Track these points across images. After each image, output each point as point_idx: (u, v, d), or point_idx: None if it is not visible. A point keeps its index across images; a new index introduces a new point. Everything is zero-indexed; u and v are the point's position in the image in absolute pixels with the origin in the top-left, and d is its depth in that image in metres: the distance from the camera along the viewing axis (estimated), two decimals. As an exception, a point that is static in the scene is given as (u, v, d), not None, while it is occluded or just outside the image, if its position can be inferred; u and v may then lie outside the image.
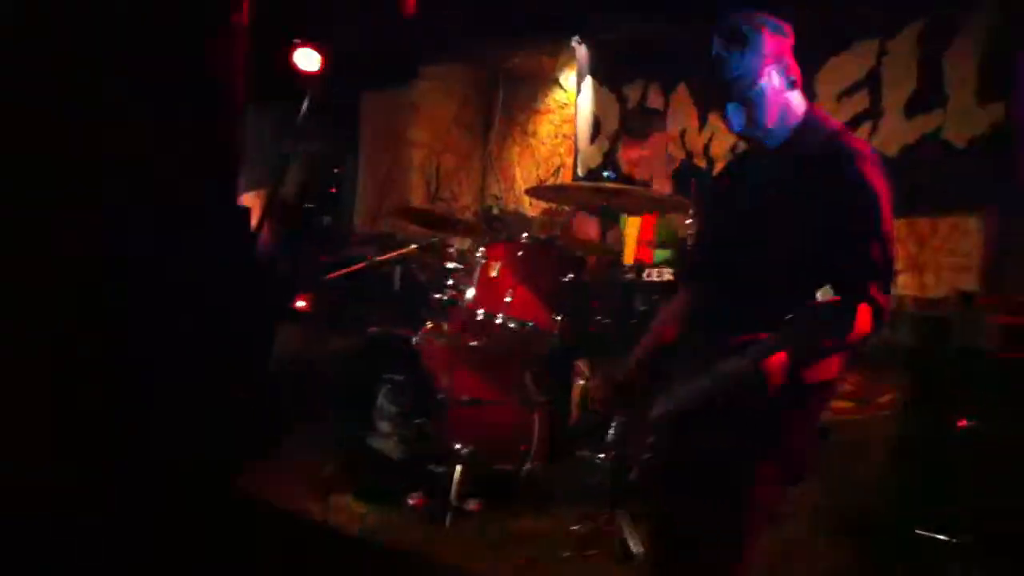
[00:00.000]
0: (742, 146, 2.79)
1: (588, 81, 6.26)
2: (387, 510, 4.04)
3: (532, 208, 6.14)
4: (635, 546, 3.36)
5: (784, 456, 2.50)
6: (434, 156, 7.40)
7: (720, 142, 5.29)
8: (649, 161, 4.68)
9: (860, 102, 4.55)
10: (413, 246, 5.20)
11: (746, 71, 2.47)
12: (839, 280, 2.17)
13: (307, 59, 6.30)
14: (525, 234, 4.37)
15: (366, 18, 6.47)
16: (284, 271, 6.36)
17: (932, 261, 4.18)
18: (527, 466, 4.21)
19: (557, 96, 6.88)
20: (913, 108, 4.34)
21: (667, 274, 4.19)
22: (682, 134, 5.61)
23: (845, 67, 4.63)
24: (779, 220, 2.48)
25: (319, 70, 6.24)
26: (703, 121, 5.46)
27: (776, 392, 2.29)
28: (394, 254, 5.16)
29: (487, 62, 7.28)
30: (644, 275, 4.29)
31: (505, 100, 7.35)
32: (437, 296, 4.65)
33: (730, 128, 2.59)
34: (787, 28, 2.52)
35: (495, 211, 4.78)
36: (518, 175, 7.06)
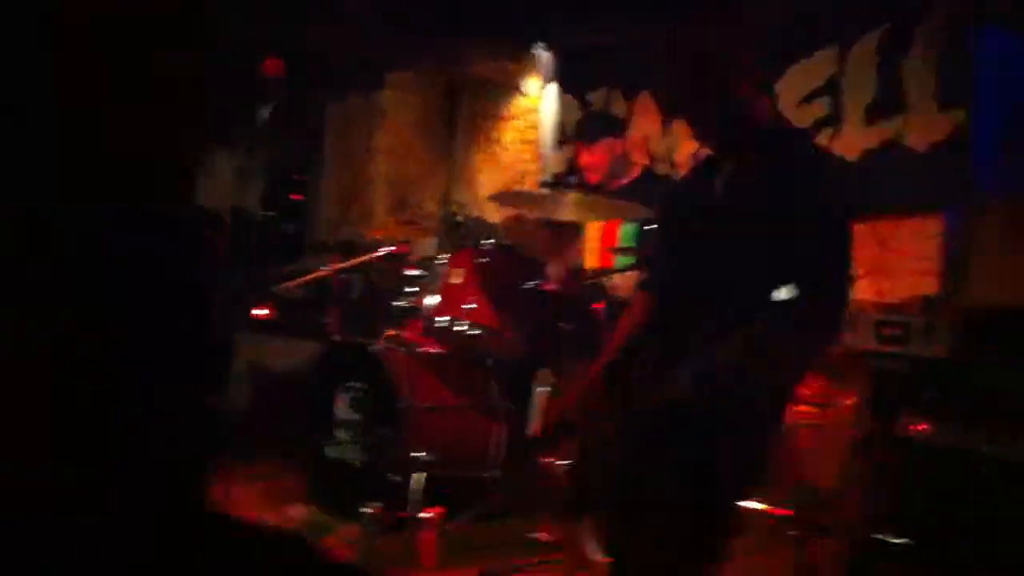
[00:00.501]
0: (705, 153, 2.77)
1: (551, 87, 6.25)
2: (346, 519, 3.98)
3: (496, 215, 6.09)
4: (596, 554, 3.33)
5: (747, 462, 2.50)
6: (399, 163, 7.36)
7: (684, 148, 5.29)
8: (601, 166, 4.67)
9: (821, 109, 4.56)
10: (376, 253, 5.16)
11: (708, 79, 2.46)
12: (796, 284, 2.17)
13: (271, 67, 6.25)
14: (488, 241, 4.33)
15: (329, 24, 6.44)
16: (243, 280, 6.29)
17: (893, 266, 4.18)
18: (488, 474, 4.19)
19: (521, 102, 6.86)
20: (873, 114, 4.36)
21: (629, 280, 4.18)
22: (645, 140, 5.61)
23: (806, 74, 4.65)
24: (739, 226, 2.47)
25: (279, 76, 6.20)
26: (666, 127, 5.46)
27: (733, 399, 2.28)
28: (355, 261, 5.11)
29: (450, 69, 7.25)
30: (606, 281, 4.28)
31: (469, 107, 7.33)
32: (398, 303, 4.62)
33: (694, 138, 2.59)
34: (748, 35, 2.50)
35: (458, 218, 4.74)
36: (483, 182, 7.03)
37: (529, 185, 6.32)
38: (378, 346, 4.40)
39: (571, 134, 5.91)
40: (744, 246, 2.45)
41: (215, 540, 3.29)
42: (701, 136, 2.66)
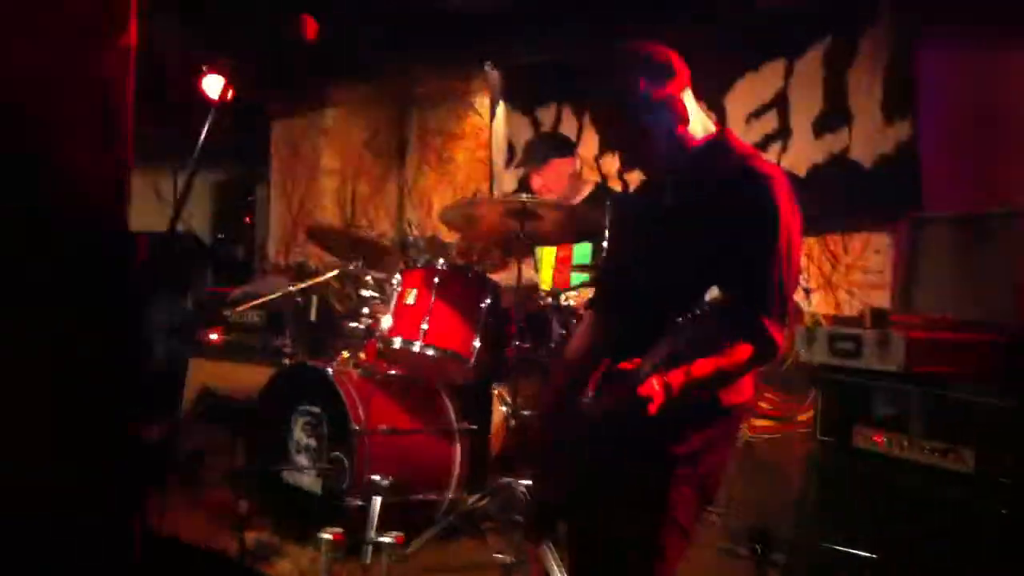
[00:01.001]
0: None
1: (501, 105, 6.26)
2: (303, 545, 3.96)
3: (450, 235, 6.08)
4: (559, 574, 3.32)
5: (699, 477, 2.50)
6: (348, 183, 7.32)
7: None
8: (554, 188, 4.65)
9: (769, 123, 4.60)
10: (329, 274, 5.12)
11: (644, 102, 2.45)
12: (738, 296, 2.18)
13: (212, 85, 6.19)
14: (441, 260, 4.31)
15: (273, 43, 6.38)
16: (192, 304, 6.22)
17: (844, 279, 4.23)
18: (448, 496, 4.16)
19: (472, 121, 6.86)
20: (821, 128, 4.40)
21: (584, 298, 4.18)
22: (596, 158, 5.62)
23: (753, 89, 4.69)
24: (684, 244, 2.47)
25: (224, 96, 6.13)
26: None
27: (669, 412, 2.28)
28: (310, 283, 5.07)
29: (399, 87, 7.23)
30: (562, 299, 4.28)
31: (419, 125, 7.32)
32: (353, 325, 4.58)
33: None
34: (673, 61, 2.49)
35: (411, 237, 4.71)
36: (435, 201, 7.01)
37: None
38: (333, 368, 4.35)
39: (521, 159, 5.91)
40: (687, 265, 2.45)
41: (166, 566, 3.20)
42: (633, 166, 2.65)
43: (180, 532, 4.26)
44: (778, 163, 4.48)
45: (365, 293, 4.70)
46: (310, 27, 3.13)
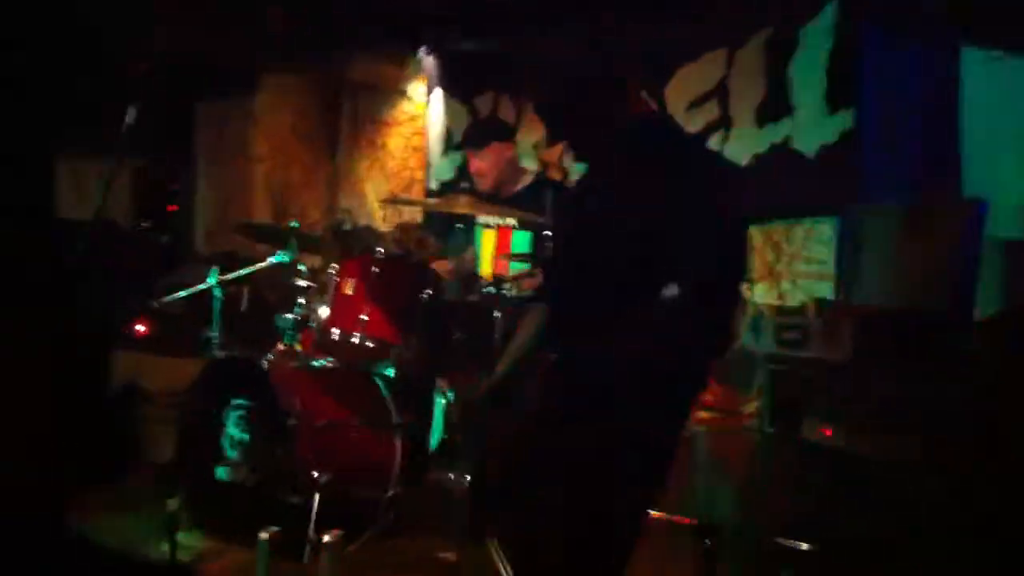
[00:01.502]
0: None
1: (438, 92, 6.14)
2: (239, 545, 3.79)
3: (384, 223, 5.98)
4: (506, 573, 3.24)
5: (650, 470, 2.46)
6: (278, 170, 7.15)
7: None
8: (491, 172, 4.59)
9: (710, 112, 4.58)
10: (261, 264, 4.97)
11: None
12: (689, 288, 2.14)
13: (136, 67, 5.98)
14: (380, 249, 4.20)
15: (198, 23, 6.21)
16: (116, 294, 6.01)
17: (788, 270, 4.22)
18: (389, 492, 4.06)
19: (406, 107, 6.74)
20: (762, 118, 4.38)
21: (526, 288, 4.11)
22: (535, 146, 5.55)
23: (694, 78, 4.66)
24: (632, 235, 2.41)
25: (146, 77, 5.94)
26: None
27: (639, 403, 2.24)
28: (241, 273, 4.91)
29: (331, 72, 7.08)
30: (503, 289, 4.20)
31: (352, 112, 7.17)
32: (288, 316, 4.45)
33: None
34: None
35: (347, 226, 4.59)
36: (368, 189, 6.88)
37: (416, 192, 6.21)
38: (267, 361, 4.21)
39: (459, 140, 5.82)
40: (637, 255, 2.40)
41: (92, 569, 3.08)
42: (582, 159, 2.60)
43: (106, 534, 4.11)
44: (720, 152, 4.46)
45: (299, 283, 4.58)
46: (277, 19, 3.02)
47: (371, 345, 4.02)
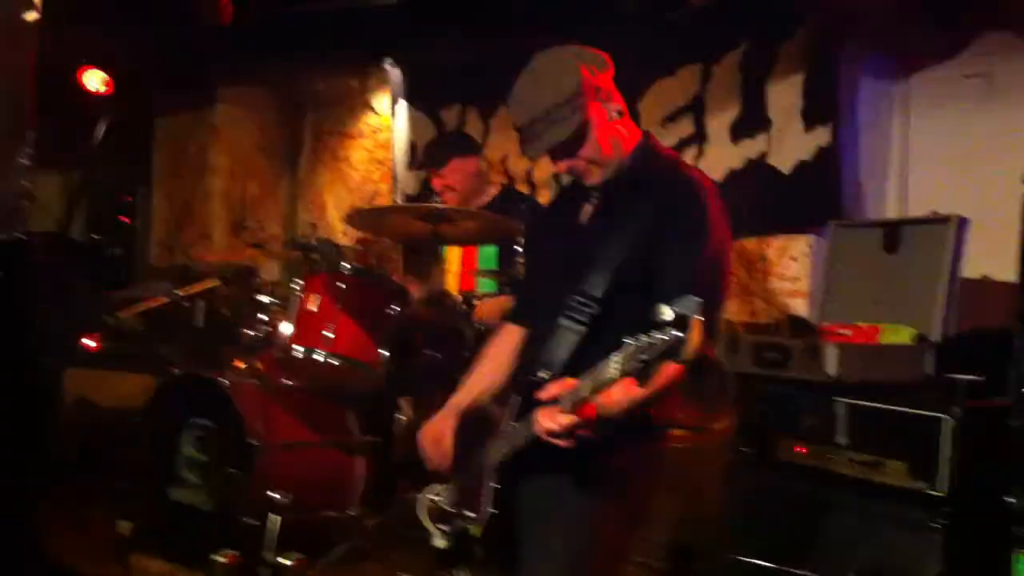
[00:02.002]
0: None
1: (402, 105, 6.04)
2: (196, 569, 3.67)
3: (346, 238, 5.84)
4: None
5: (629, 497, 2.39)
6: (237, 183, 7.00)
7: (543, 168, 5.17)
8: (456, 187, 4.48)
9: (685, 127, 4.52)
10: (219, 279, 4.84)
11: (567, 113, 2.30)
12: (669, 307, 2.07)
13: (94, 80, 5.85)
14: (346, 264, 4.08)
15: (158, 37, 6.08)
16: (71, 308, 5.83)
17: (761, 287, 4.16)
18: (352, 514, 3.94)
19: (370, 120, 6.62)
20: (738, 133, 4.34)
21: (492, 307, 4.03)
22: (503, 160, 5.46)
23: (669, 92, 4.60)
24: (611, 252, 2.34)
25: (108, 91, 5.81)
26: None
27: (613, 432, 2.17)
28: (198, 287, 4.76)
29: (292, 84, 6.96)
30: (473, 305, 4.10)
31: (314, 124, 7.04)
32: (248, 332, 4.31)
33: (557, 168, 2.44)
34: (605, 57, 2.39)
35: (311, 241, 4.46)
36: (329, 203, 6.75)
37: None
38: (227, 379, 4.07)
39: (421, 159, 5.71)
40: (614, 272, 2.33)
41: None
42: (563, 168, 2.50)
43: (58, 556, 3.96)
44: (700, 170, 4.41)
45: (260, 298, 4.44)
46: (226, 11, 2.91)
47: (336, 363, 3.90)
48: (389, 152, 6.23)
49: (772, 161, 4.19)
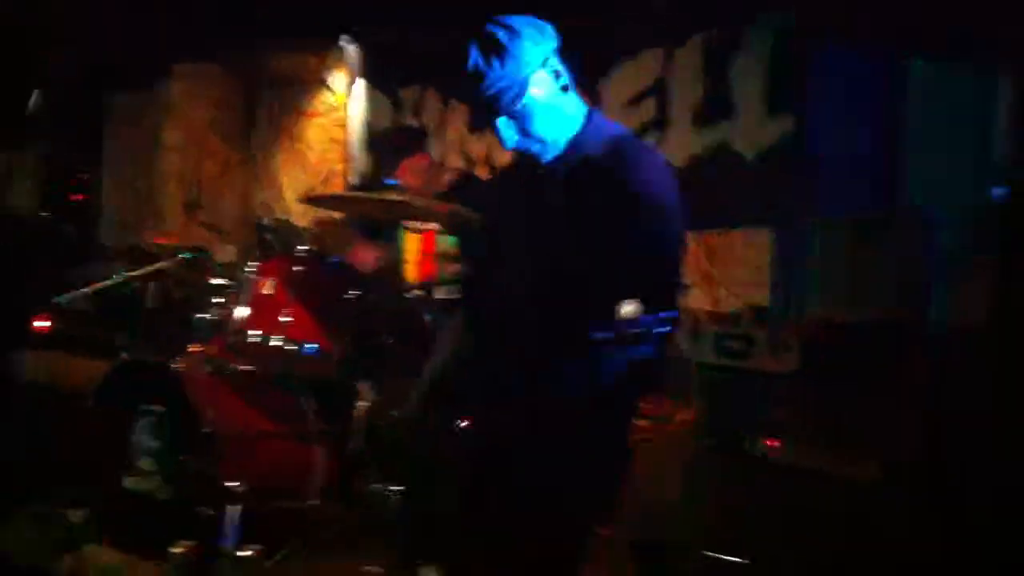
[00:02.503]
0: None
1: (360, 83, 5.94)
2: (150, 560, 3.58)
3: (302, 219, 5.74)
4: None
5: (599, 490, 2.37)
6: (191, 162, 6.87)
7: (502, 150, 5.10)
8: (408, 185, 4.41)
9: (647, 111, 4.48)
10: (171, 260, 4.73)
11: (510, 82, 2.24)
12: (630, 294, 2.03)
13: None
14: (303, 247, 4.00)
15: (109, 9, 5.95)
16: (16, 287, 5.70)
17: (724, 275, 4.14)
18: (310, 503, 3.87)
19: (326, 98, 6.51)
20: (701, 118, 4.30)
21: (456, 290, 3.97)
22: (461, 142, 5.39)
23: (632, 75, 4.56)
24: (559, 232, 2.30)
25: (52, 62, 5.67)
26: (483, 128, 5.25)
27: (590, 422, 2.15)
28: (150, 268, 4.65)
29: (249, 62, 6.82)
30: (433, 291, 4.05)
31: (270, 102, 6.92)
32: (201, 316, 4.22)
33: (503, 145, 2.37)
34: (551, 29, 2.33)
35: (266, 222, 4.38)
36: (285, 183, 6.65)
37: (337, 186, 6.00)
38: (179, 365, 3.99)
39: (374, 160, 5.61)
40: (563, 256, 2.29)
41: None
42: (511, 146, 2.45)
43: (5, 546, 3.88)
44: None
45: (213, 281, 4.35)
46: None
47: (292, 348, 3.83)
48: (345, 132, 6.14)
49: (735, 147, 4.16)
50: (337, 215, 5.37)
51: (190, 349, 4.32)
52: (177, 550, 3.52)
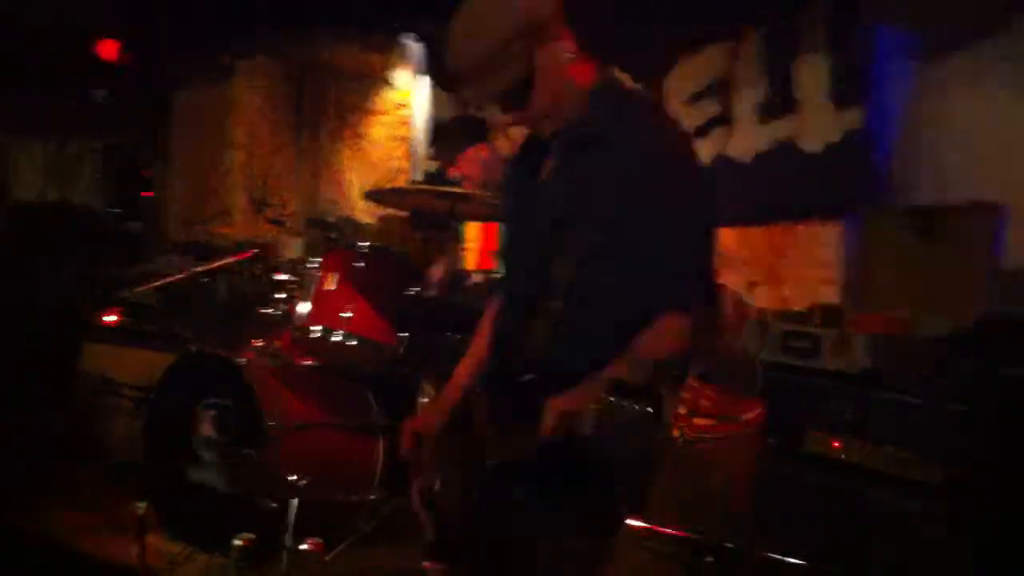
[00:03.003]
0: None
1: (423, 80, 5.94)
2: (211, 551, 3.65)
3: (367, 215, 5.77)
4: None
5: (618, 483, 2.24)
6: (256, 158, 6.93)
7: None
8: (467, 176, 4.39)
9: (711, 108, 4.41)
10: (236, 255, 4.78)
11: (508, 55, 2.05)
12: (649, 283, 1.95)
13: (107, 50, 5.79)
14: (365, 243, 4.01)
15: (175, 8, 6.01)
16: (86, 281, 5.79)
17: (791, 273, 4.06)
18: (371, 497, 3.88)
19: (389, 96, 6.53)
20: (765, 114, 4.22)
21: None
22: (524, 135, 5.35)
23: (695, 72, 4.50)
24: (576, 213, 2.15)
25: (119, 60, 5.75)
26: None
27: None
28: (216, 264, 4.70)
29: (313, 59, 6.86)
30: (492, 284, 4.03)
31: (334, 100, 6.95)
32: (267, 311, 4.26)
33: (507, 119, 2.23)
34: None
35: (330, 218, 4.40)
36: (349, 179, 6.67)
37: (400, 183, 6.01)
38: (244, 358, 4.02)
39: (433, 152, 5.58)
40: (576, 241, 2.14)
41: (48, 572, 2.90)
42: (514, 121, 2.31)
43: (72, 538, 3.93)
44: (721, 150, 4.30)
45: (279, 276, 4.39)
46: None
47: (354, 343, 3.84)
48: (409, 129, 6.14)
49: (800, 143, 4.08)
50: (400, 211, 5.38)
51: (254, 343, 4.36)
52: (238, 542, 3.54)
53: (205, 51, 6.83)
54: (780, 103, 4.20)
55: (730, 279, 4.17)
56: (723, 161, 4.26)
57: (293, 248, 5.19)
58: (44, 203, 6.35)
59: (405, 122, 6.28)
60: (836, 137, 3.97)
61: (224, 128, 7.06)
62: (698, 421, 4.22)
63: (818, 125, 4.05)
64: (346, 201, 6.50)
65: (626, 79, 2.32)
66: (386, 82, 6.56)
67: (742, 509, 3.53)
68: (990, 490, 2.83)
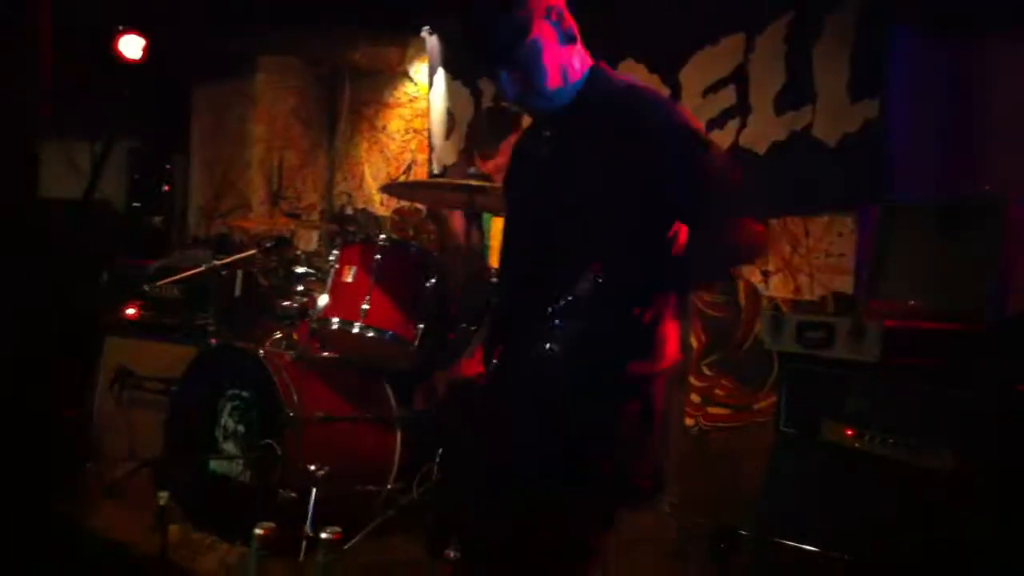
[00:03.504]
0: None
1: (440, 74, 5.96)
2: (232, 540, 3.71)
3: (383, 207, 5.80)
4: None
5: (622, 465, 2.27)
6: (275, 153, 6.98)
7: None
8: (503, 169, 4.40)
9: (727, 98, 4.40)
10: (256, 248, 4.83)
11: (513, 31, 2.14)
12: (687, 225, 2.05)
13: (130, 46, 5.82)
14: (383, 235, 4.04)
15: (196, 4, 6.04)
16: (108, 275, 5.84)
17: (806, 263, 4.06)
18: (390, 488, 3.92)
19: (407, 89, 6.56)
20: (782, 105, 4.21)
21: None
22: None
23: (711, 63, 4.48)
24: (584, 189, 2.21)
25: (142, 58, 5.78)
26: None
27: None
28: (236, 257, 4.75)
29: (331, 53, 6.90)
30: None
31: (351, 93, 6.99)
32: (286, 303, 4.31)
33: (505, 97, 2.25)
34: None
35: (348, 211, 4.44)
36: (367, 173, 6.71)
37: (418, 176, 6.04)
38: (264, 350, 4.07)
39: (467, 144, 5.59)
40: (590, 213, 2.19)
41: (81, 563, 2.96)
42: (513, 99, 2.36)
43: (96, 526, 3.99)
44: (737, 140, 4.31)
45: (297, 269, 4.43)
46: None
47: (372, 335, 3.88)
48: (426, 122, 6.17)
49: (817, 134, 4.07)
50: (418, 204, 5.42)
51: (274, 335, 4.41)
52: (259, 531, 3.59)
53: (225, 47, 6.86)
54: (797, 94, 4.19)
55: (745, 269, 4.19)
56: (738, 152, 4.26)
57: (310, 241, 5.23)
58: (72, 200, 6.39)
59: (421, 115, 6.30)
60: (853, 128, 3.97)
61: (243, 123, 7.11)
62: (712, 410, 4.26)
63: (835, 116, 4.04)
64: (362, 194, 6.54)
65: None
66: (404, 75, 6.58)
67: (754, 496, 3.55)
68: (1002, 481, 2.84)
